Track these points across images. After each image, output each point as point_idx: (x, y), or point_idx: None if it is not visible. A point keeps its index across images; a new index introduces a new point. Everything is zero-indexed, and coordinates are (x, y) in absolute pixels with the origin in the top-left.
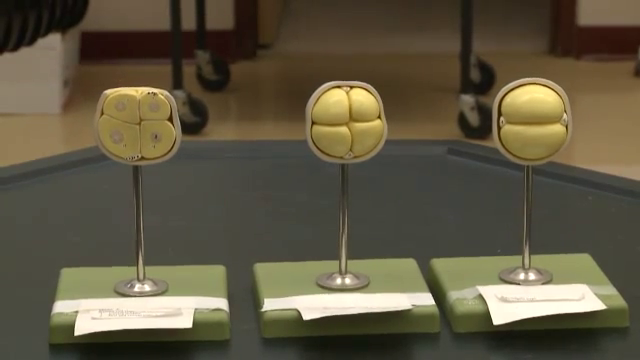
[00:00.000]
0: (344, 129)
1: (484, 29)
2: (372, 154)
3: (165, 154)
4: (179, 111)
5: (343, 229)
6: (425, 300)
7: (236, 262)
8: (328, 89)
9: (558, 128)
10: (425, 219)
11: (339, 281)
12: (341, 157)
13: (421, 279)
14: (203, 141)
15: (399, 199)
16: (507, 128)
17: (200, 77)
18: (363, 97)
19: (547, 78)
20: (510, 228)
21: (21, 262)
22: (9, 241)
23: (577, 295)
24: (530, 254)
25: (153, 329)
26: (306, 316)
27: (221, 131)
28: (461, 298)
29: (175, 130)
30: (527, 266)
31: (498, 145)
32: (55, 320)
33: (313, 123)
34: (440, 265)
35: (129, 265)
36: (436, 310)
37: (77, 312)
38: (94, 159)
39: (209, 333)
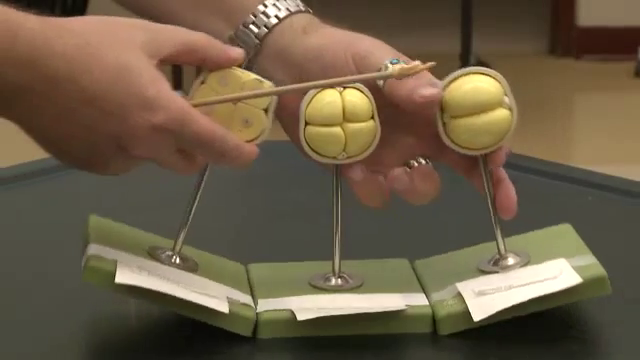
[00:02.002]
0: (337, 129)
1: (484, 29)
2: (365, 154)
3: (248, 141)
4: None
5: (337, 229)
6: (419, 300)
7: (234, 261)
8: (321, 89)
9: (502, 113)
10: (423, 219)
11: (333, 282)
12: (334, 157)
13: (414, 279)
14: None
15: (397, 199)
16: (453, 122)
17: None
18: (356, 97)
19: (547, 78)
20: (508, 228)
21: (21, 262)
22: (9, 241)
23: (555, 272)
24: (504, 238)
25: (189, 302)
26: (300, 317)
27: None
28: (440, 300)
29: (267, 123)
30: (503, 252)
31: (447, 141)
32: (92, 262)
33: (306, 123)
34: (421, 266)
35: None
36: (429, 310)
37: (115, 260)
38: None
39: (236, 325)
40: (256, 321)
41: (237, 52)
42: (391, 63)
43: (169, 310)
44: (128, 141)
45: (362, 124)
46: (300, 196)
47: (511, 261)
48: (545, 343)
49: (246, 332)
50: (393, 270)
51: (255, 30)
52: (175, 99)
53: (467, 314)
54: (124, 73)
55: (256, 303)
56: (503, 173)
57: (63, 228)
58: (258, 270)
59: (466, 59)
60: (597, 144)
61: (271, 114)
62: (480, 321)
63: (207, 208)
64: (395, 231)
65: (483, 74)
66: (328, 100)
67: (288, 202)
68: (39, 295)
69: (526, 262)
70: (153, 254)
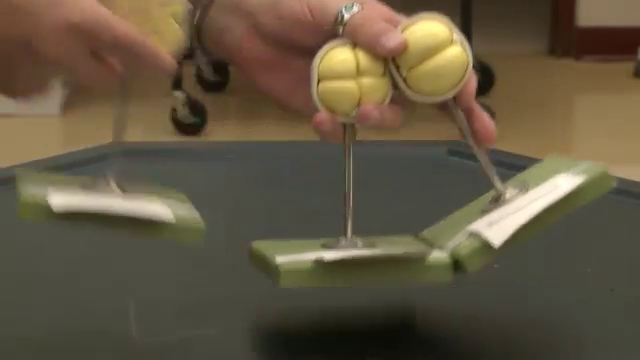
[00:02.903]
0: (351, 83)
1: (484, 29)
2: None
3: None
4: (178, 112)
5: (349, 193)
6: (435, 253)
7: (233, 262)
8: (335, 46)
9: (455, 49)
10: (424, 219)
11: (344, 243)
12: (347, 114)
13: (423, 242)
14: (202, 142)
15: (399, 200)
16: (411, 74)
17: (200, 78)
18: (369, 54)
19: (548, 78)
20: None
21: (21, 263)
22: (9, 241)
23: (557, 183)
24: (498, 176)
25: (131, 219)
26: (327, 257)
27: (220, 132)
28: (456, 245)
29: (180, 34)
30: (501, 188)
31: (412, 95)
32: (24, 198)
33: (319, 80)
34: (428, 232)
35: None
36: (448, 259)
37: (48, 190)
38: (93, 160)
39: (185, 235)
40: (278, 272)
41: None
42: (345, 10)
43: (167, 309)
44: (40, 43)
45: (376, 79)
46: (300, 196)
47: (512, 192)
48: (545, 343)
49: (197, 241)
50: (401, 240)
51: None
52: (92, 1)
53: (487, 245)
54: None
55: (273, 257)
56: (473, 104)
57: (63, 228)
58: (264, 244)
59: None
60: (597, 144)
61: (183, 26)
62: (502, 247)
63: (206, 208)
64: (400, 232)
65: (428, 20)
66: (342, 58)
67: (288, 202)
68: (39, 295)
69: (526, 189)
70: (87, 184)
